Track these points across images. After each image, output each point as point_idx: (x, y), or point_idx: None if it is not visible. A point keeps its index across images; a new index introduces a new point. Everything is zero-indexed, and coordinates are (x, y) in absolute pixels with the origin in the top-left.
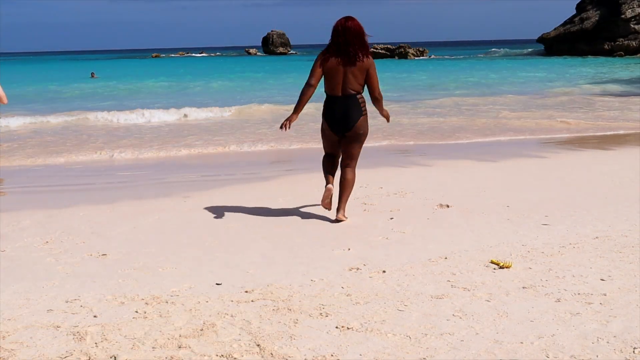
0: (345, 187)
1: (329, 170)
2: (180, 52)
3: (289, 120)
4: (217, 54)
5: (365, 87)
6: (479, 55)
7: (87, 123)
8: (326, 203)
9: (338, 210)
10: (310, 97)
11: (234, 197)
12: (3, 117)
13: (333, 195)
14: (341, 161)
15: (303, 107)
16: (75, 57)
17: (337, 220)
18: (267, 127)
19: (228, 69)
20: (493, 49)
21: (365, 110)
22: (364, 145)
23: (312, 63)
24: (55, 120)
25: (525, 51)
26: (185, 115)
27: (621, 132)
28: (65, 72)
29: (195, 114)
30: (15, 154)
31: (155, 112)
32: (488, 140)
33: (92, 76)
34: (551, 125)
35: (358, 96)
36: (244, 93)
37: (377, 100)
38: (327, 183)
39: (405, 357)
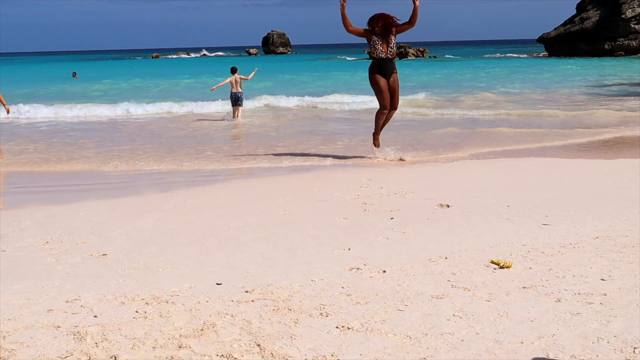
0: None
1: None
2: (180, 52)
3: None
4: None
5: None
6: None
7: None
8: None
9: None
10: None
11: (234, 196)
12: None
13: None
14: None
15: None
16: (75, 57)
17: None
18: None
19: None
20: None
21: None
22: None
23: (312, 63)
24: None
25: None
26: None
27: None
28: (50, 73)
29: None
30: None
31: None
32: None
33: (74, 76)
34: None
35: None
36: None
37: None
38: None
39: (406, 357)
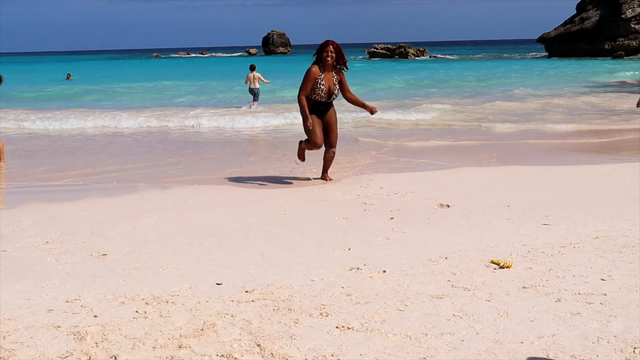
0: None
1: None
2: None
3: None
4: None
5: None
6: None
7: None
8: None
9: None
10: None
11: (234, 197)
12: None
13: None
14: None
15: None
16: (72, 57)
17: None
18: None
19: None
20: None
21: None
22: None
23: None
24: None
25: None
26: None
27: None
28: (45, 74)
29: None
30: None
31: None
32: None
33: (68, 77)
34: None
35: None
36: None
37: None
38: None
39: (406, 357)
